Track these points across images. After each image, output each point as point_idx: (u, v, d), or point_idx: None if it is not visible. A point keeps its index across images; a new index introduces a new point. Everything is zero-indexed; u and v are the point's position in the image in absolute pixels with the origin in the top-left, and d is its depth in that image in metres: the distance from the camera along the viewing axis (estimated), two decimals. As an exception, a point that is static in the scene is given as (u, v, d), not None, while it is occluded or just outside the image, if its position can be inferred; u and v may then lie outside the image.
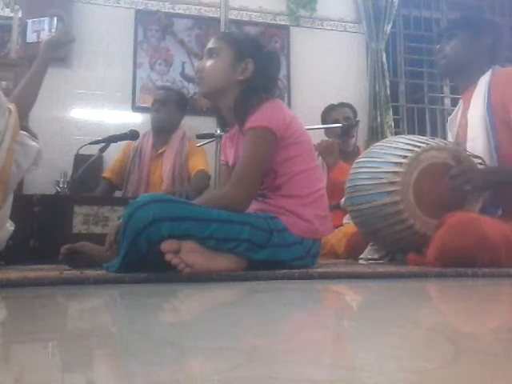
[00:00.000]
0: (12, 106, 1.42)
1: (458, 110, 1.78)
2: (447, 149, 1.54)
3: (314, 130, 2.38)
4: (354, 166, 1.66)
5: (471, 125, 1.63)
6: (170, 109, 2.60)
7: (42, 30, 1.71)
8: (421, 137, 1.65)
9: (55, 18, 1.70)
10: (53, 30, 1.69)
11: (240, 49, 1.41)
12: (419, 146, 1.51)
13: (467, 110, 1.68)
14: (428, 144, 1.53)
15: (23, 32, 1.77)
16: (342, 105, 2.69)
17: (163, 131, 2.61)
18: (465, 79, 1.74)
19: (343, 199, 1.93)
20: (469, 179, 1.46)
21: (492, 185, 1.54)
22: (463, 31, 1.71)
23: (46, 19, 1.71)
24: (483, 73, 1.66)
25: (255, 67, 1.40)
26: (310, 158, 1.42)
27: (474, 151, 1.58)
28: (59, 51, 1.74)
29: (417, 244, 1.47)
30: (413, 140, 1.58)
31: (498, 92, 1.58)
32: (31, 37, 1.74)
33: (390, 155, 1.54)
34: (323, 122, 2.66)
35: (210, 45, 1.45)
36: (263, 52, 1.44)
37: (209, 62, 1.42)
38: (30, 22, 1.75)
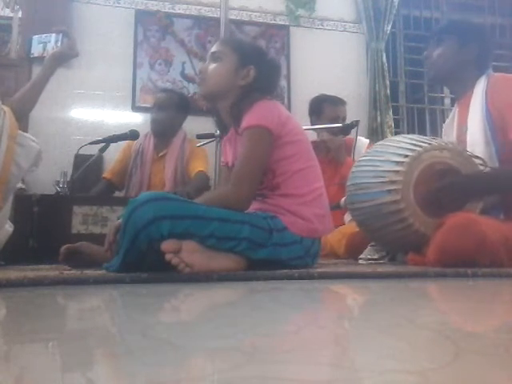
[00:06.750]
0: (6, 108, 1.42)
1: (454, 117, 1.77)
2: (448, 149, 1.54)
3: (309, 126, 2.38)
4: (356, 164, 1.66)
5: (471, 131, 1.62)
6: (170, 112, 2.56)
7: (47, 42, 1.75)
8: (422, 137, 1.65)
9: (61, 34, 1.76)
10: (58, 44, 1.72)
11: (243, 55, 1.44)
12: (421, 146, 1.51)
13: (465, 116, 1.66)
14: (430, 144, 1.53)
15: (27, 47, 1.80)
16: (342, 102, 2.63)
17: (163, 134, 2.59)
18: (457, 86, 1.73)
19: (343, 198, 1.92)
20: (452, 193, 1.46)
21: (478, 194, 1.53)
22: (450, 38, 1.70)
23: (53, 35, 1.77)
24: (476, 79, 1.65)
25: (256, 74, 1.43)
26: (307, 157, 1.42)
27: None
28: (63, 64, 1.76)
29: (416, 243, 1.46)
30: (414, 139, 1.57)
31: (494, 100, 1.57)
32: (36, 49, 1.77)
33: (392, 154, 1.54)
34: (317, 112, 2.57)
35: (214, 48, 1.48)
36: (265, 60, 1.49)
37: (212, 65, 1.44)
38: (35, 37, 1.79)
